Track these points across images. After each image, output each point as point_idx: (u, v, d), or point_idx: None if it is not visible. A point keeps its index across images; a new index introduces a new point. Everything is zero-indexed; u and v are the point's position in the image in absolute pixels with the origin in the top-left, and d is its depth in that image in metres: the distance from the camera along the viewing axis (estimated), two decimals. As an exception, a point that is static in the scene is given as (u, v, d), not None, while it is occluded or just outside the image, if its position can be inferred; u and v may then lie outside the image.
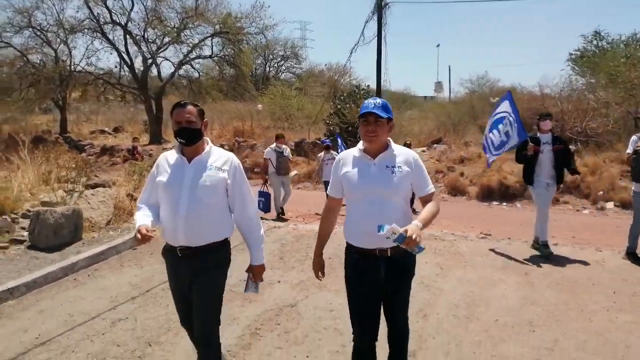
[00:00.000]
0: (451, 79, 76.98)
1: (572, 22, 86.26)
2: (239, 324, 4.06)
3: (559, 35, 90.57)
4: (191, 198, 2.54)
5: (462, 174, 13.93)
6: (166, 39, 25.08)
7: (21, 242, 6.22)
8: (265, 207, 9.12)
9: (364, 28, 17.67)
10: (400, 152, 2.60)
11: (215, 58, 27.24)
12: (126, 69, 25.53)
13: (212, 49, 27.19)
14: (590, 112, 15.40)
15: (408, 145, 10.65)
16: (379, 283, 2.56)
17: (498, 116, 6.78)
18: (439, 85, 45.32)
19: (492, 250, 6.56)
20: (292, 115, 24.33)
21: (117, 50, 24.77)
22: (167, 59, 26.83)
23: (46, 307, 4.59)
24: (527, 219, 9.23)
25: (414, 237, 2.24)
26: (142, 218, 2.62)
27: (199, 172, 2.59)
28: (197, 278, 2.60)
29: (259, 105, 24.97)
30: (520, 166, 6.72)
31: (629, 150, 6.01)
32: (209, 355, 2.64)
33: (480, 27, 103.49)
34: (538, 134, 6.36)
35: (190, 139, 2.60)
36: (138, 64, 25.19)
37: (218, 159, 2.66)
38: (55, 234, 6.07)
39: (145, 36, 25.20)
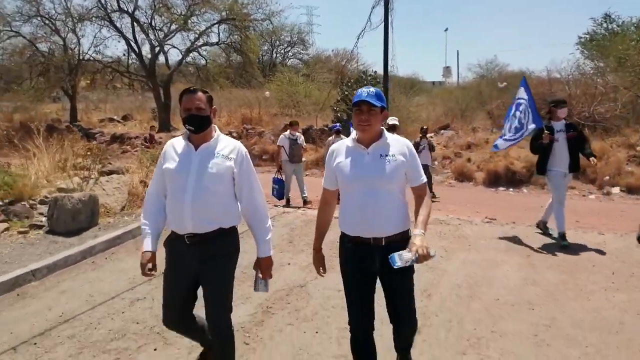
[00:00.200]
0: (459, 64, 76.35)
1: (582, 4, 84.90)
2: (252, 303, 4.28)
3: (570, 18, 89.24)
4: (197, 185, 2.53)
5: (469, 160, 14.03)
6: (173, 27, 25.15)
7: (40, 227, 6.46)
8: (279, 194, 9.24)
9: (370, 14, 17.57)
10: (394, 141, 2.58)
11: (222, 45, 27.31)
12: (134, 56, 25.74)
13: (219, 35, 27.24)
14: (598, 96, 15.36)
15: (425, 131, 10.76)
16: (374, 272, 2.57)
17: (516, 102, 6.65)
18: (447, 71, 45.04)
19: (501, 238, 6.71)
20: (299, 102, 24.39)
21: (125, 38, 24.91)
22: (174, 47, 27.00)
23: (67, 287, 4.83)
24: (532, 204, 9.38)
25: (424, 251, 2.34)
26: (147, 240, 2.66)
27: (205, 160, 2.58)
28: (206, 266, 2.59)
29: (267, 93, 25.04)
30: (530, 154, 6.68)
31: None
32: (223, 340, 2.70)
33: (489, 11, 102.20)
34: (551, 122, 6.15)
35: (199, 127, 2.58)
36: (145, 51, 25.37)
37: (225, 147, 2.64)
38: (73, 219, 6.31)
39: (153, 24, 25.30)
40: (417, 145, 10.50)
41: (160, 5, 24.54)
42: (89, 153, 8.09)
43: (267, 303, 4.29)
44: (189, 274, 2.64)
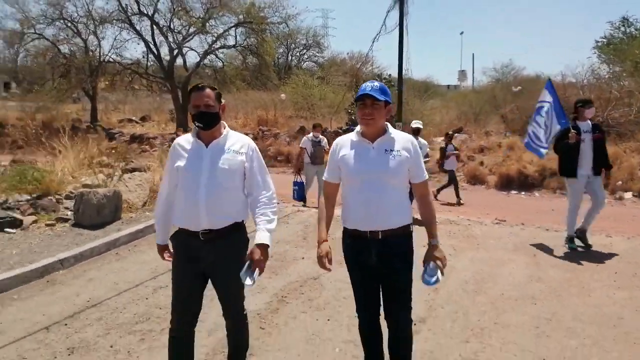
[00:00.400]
0: (475, 68, 76.11)
1: (600, 8, 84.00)
2: (267, 293, 4.53)
3: (588, 22, 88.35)
4: (211, 182, 2.54)
5: (481, 163, 14.13)
6: (191, 29, 25.73)
7: (66, 220, 6.79)
8: (299, 196, 9.18)
9: (385, 18, 17.87)
10: (399, 137, 2.60)
11: (239, 47, 27.76)
12: (153, 58, 26.30)
13: (235, 38, 27.76)
14: (612, 101, 15.36)
15: (451, 136, 10.90)
16: (372, 265, 2.58)
17: (538, 105, 6.51)
18: (462, 74, 45.03)
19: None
20: (314, 105, 24.68)
21: (144, 40, 25.53)
22: (192, 49, 27.70)
23: (94, 276, 5.13)
24: (544, 208, 9.51)
25: (445, 257, 2.56)
26: (160, 233, 2.82)
27: (217, 156, 2.59)
28: (221, 260, 2.60)
29: (282, 95, 25.39)
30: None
31: None
32: (239, 325, 2.83)
33: (505, 15, 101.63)
34: (577, 122, 5.98)
35: (208, 124, 2.58)
36: (164, 53, 25.96)
37: (235, 142, 2.66)
38: (98, 213, 6.63)
39: (172, 26, 25.93)
40: (443, 151, 10.61)
41: (179, 8, 25.12)
42: (113, 152, 8.43)
43: (282, 293, 4.54)
44: (201, 271, 2.65)
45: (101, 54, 26.28)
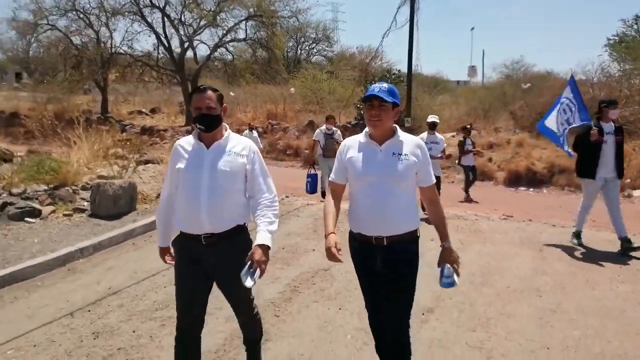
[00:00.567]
0: (485, 64, 75.70)
1: (613, 7, 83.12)
2: (280, 283, 4.70)
3: (600, 20, 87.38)
4: (212, 184, 2.54)
5: (490, 160, 14.17)
6: (202, 22, 25.88)
7: (82, 210, 6.99)
8: (312, 188, 9.14)
9: (396, 14, 17.99)
10: (408, 140, 2.56)
11: (249, 41, 27.88)
12: (163, 51, 26.49)
13: (246, 32, 27.88)
14: (623, 99, 15.32)
15: (469, 130, 10.81)
16: (377, 272, 2.55)
17: (562, 100, 6.29)
18: (472, 70, 44.81)
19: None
20: (323, 99, 24.76)
21: (156, 32, 25.74)
22: (202, 42, 27.89)
23: (113, 265, 5.32)
24: (552, 204, 9.59)
25: (458, 258, 2.55)
26: (162, 235, 2.86)
27: (218, 158, 2.58)
28: (225, 264, 2.59)
29: (292, 89, 25.48)
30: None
31: None
32: (250, 321, 2.87)
33: (517, 11, 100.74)
34: (600, 123, 5.75)
35: (209, 126, 2.57)
36: (175, 46, 26.17)
37: (237, 145, 2.65)
38: (114, 204, 6.83)
39: (183, 19, 26.10)
40: (462, 145, 10.27)
41: (191, 1, 25.24)
42: (128, 143, 8.61)
43: (295, 283, 4.71)
44: (204, 273, 2.65)
45: (113, 46, 26.58)
